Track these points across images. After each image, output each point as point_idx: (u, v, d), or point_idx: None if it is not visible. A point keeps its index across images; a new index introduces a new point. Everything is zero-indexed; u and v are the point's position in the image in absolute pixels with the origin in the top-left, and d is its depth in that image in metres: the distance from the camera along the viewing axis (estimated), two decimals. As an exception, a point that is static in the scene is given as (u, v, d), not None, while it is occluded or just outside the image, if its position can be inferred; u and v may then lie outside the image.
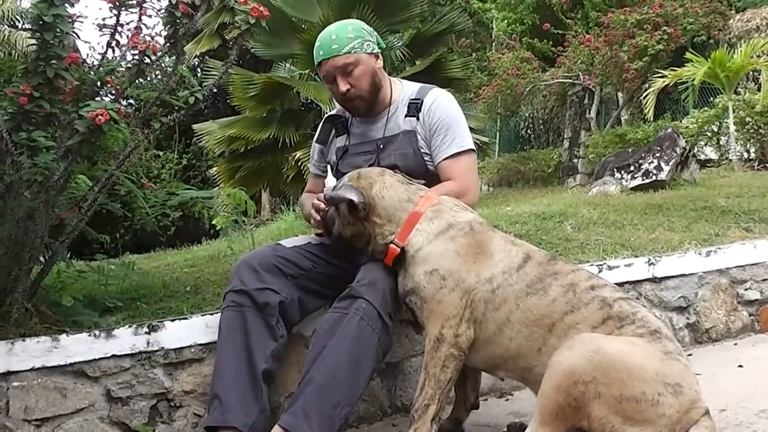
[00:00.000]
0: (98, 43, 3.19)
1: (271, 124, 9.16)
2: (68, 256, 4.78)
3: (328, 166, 2.90)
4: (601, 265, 3.22)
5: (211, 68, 9.65)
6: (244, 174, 9.73)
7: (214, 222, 6.65)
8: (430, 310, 2.22)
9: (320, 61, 2.63)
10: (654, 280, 3.29)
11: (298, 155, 8.84)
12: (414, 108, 2.68)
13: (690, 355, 3.23)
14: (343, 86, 2.61)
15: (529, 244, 2.37)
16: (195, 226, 11.83)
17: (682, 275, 3.35)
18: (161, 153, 15.09)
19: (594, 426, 1.90)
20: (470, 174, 2.68)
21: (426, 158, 2.68)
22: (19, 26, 13.33)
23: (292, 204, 10.92)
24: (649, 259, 3.31)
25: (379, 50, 2.70)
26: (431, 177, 2.66)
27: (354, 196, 2.31)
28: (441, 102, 2.68)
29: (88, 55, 3.08)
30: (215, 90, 10.82)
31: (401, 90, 2.76)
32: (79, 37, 3.21)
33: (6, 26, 13.55)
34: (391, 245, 2.32)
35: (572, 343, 1.98)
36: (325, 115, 2.94)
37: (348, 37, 2.61)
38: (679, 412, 1.89)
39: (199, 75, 14.17)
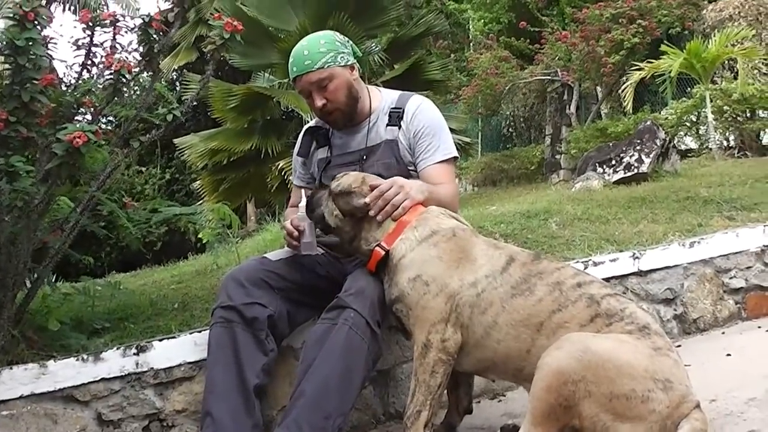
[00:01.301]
0: (74, 63, 3.17)
1: (252, 134, 9.13)
2: (54, 278, 4.75)
3: (313, 179, 2.88)
4: (586, 261, 3.24)
5: (190, 82, 9.61)
6: (228, 186, 9.70)
7: (200, 236, 6.62)
8: (415, 316, 2.23)
9: (294, 77, 2.63)
10: (639, 273, 3.31)
11: (281, 164, 8.81)
12: (395, 117, 2.68)
13: (679, 346, 3.25)
14: (319, 101, 2.61)
15: (512, 246, 2.39)
16: (181, 240, 11.75)
17: (667, 267, 3.37)
18: (144, 169, 15.04)
19: (585, 425, 1.91)
20: (454, 180, 2.72)
21: (409, 167, 2.69)
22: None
23: (278, 214, 10.90)
24: (634, 253, 3.33)
25: (355, 60, 2.70)
26: None
27: (365, 200, 2.36)
28: (423, 109, 2.69)
29: (65, 74, 3.07)
30: (195, 103, 10.83)
31: (380, 98, 2.76)
32: (52, 59, 3.20)
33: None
34: (376, 249, 2.34)
35: (560, 344, 1.99)
36: (305, 127, 2.92)
37: (320, 51, 2.60)
38: (669, 407, 1.90)
39: (178, 89, 14.12)
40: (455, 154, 2.72)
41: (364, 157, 2.69)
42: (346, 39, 2.71)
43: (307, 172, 2.91)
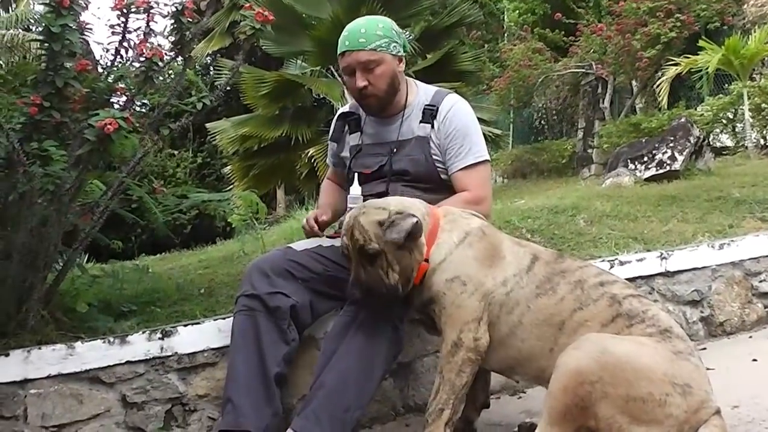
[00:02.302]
0: (109, 44, 3.22)
1: (283, 121, 9.18)
2: (85, 260, 4.84)
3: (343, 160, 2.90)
4: (612, 260, 3.21)
5: (223, 67, 9.69)
6: (258, 172, 9.77)
7: (230, 220, 6.69)
8: (448, 315, 2.21)
9: (343, 51, 2.61)
10: (666, 274, 3.28)
11: (311, 152, 8.86)
12: (429, 114, 2.67)
13: (704, 349, 3.22)
14: (361, 82, 2.59)
15: (534, 245, 2.39)
16: (210, 224, 11.85)
17: (695, 269, 3.33)
18: (176, 152, 15.17)
19: (601, 426, 1.90)
20: (485, 185, 2.69)
21: (438, 165, 2.68)
22: (33, 30, 13.44)
23: (306, 202, 10.95)
24: (662, 254, 3.29)
25: (404, 54, 2.70)
26: (442, 184, 2.67)
27: (413, 218, 2.18)
28: (457, 110, 2.67)
29: (101, 56, 3.11)
30: (228, 88, 10.89)
31: (416, 93, 2.75)
32: (88, 44, 3.25)
33: (20, 30, 13.66)
34: (423, 263, 2.25)
35: (579, 344, 1.98)
36: (338, 112, 2.93)
37: (377, 33, 2.60)
38: (687, 412, 1.89)
39: (211, 74, 14.22)
40: (486, 157, 2.69)
41: (394, 150, 2.68)
42: (401, 31, 2.71)
43: (337, 155, 2.93)
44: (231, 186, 10.26)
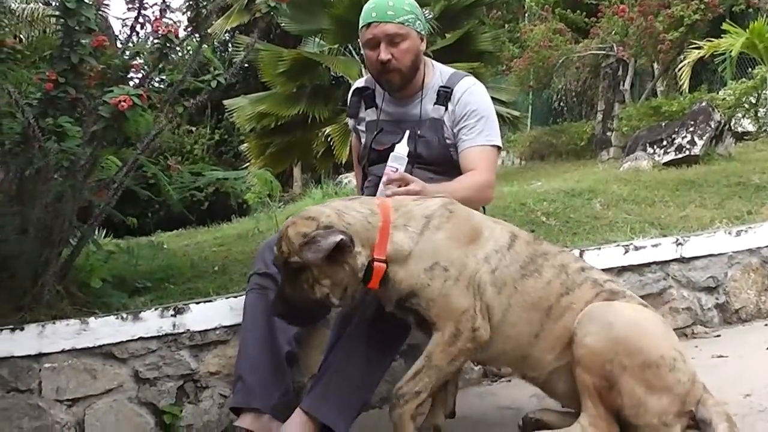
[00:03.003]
0: (125, 22, 3.21)
1: (300, 100, 9.16)
2: (103, 235, 4.88)
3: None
4: (627, 245, 3.18)
5: (241, 44, 9.66)
6: (274, 150, 9.77)
7: (246, 197, 6.69)
8: (440, 306, 2.05)
9: (369, 23, 2.56)
10: (682, 260, 3.24)
11: (327, 131, 8.84)
12: (443, 96, 2.65)
13: (718, 336, 3.20)
14: (385, 55, 2.55)
15: (508, 223, 2.29)
16: (227, 201, 11.90)
17: (711, 255, 3.29)
18: (193, 129, 15.20)
19: (625, 402, 1.96)
20: (491, 168, 2.63)
21: (451, 148, 2.66)
22: (52, 4, 13.45)
23: (323, 180, 10.96)
24: (677, 239, 3.25)
25: (425, 34, 2.68)
26: (454, 167, 2.64)
27: (337, 236, 1.97)
28: (473, 91, 2.65)
29: (120, 32, 3.10)
30: (247, 65, 10.82)
31: (433, 74, 2.73)
32: (107, 20, 3.25)
33: (40, 4, 13.69)
34: (376, 264, 2.05)
35: (584, 329, 2.02)
36: (353, 87, 2.89)
37: (405, 8, 2.58)
38: (689, 381, 1.98)
39: (229, 51, 14.20)
40: (498, 143, 2.66)
41: (418, 132, 2.63)
42: (425, 11, 2.69)
43: (357, 128, 2.88)
44: (248, 164, 10.28)
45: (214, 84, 2.92)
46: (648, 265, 3.18)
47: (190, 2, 3.03)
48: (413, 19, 2.59)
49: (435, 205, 2.16)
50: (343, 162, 8.96)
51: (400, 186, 2.33)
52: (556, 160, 11.33)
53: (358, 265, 2.03)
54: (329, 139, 8.76)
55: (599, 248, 3.14)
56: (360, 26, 2.62)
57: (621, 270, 3.14)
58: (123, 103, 2.52)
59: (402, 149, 2.57)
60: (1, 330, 2.47)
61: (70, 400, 2.52)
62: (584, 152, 11.37)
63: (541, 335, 2.09)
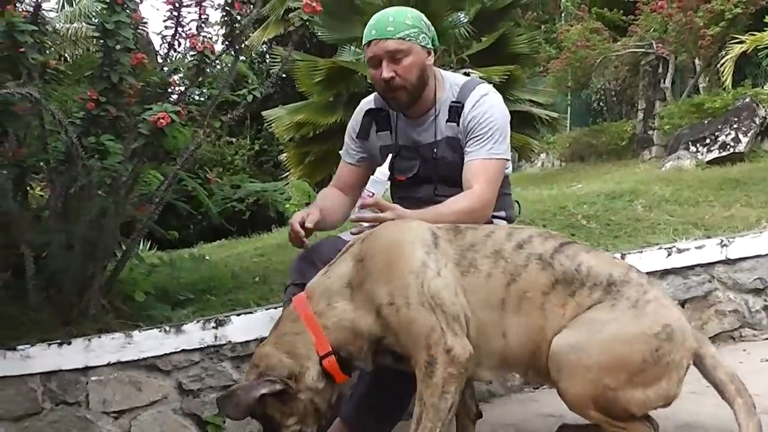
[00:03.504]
0: (163, 40, 3.26)
1: (337, 108, 9.20)
2: (147, 247, 4.97)
3: (364, 159, 2.69)
4: (670, 248, 3.14)
5: (278, 55, 9.74)
6: (313, 159, 9.83)
7: (286, 207, 6.74)
8: (406, 336, 1.93)
9: (370, 41, 2.44)
10: (727, 261, 3.18)
11: (364, 138, 8.84)
12: (455, 112, 2.50)
13: (767, 339, 3.12)
14: (388, 73, 2.40)
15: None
16: (268, 211, 12.03)
17: (758, 256, 3.22)
18: (234, 140, 15.39)
19: (633, 408, 1.93)
20: (491, 184, 2.42)
21: None
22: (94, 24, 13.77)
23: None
24: (722, 240, 3.19)
25: (433, 48, 2.52)
26: None
27: (258, 391, 1.91)
28: (482, 102, 2.49)
29: (161, 46, 3.15)
30: (284, 75, 10.93)
31: (444, 88, 2.56)
32: (148, 35, 3.33)
33: (84, 23, 14.05)
34: (325, 361, 1.98)
35: (559, 365, 1.92)
36: (363, 107, 2.70)
37: (406, 23, 2.43)
38: (680, 350, 1.92)
39: (267, 62, 14.35)
40: (504, 156, 2.47)
41: (435, 154, 2.51)
42: (430, 24, 2.54)
43: (361, 152, 2.70)
44: (287, 173, 10.37)
45: (250, 98, 2.95)
46: (692, 267, 3.13)
47: (225, 18, 3.07)
48: (416, 33, 2.44)
49: (347, 266, 2.05)
50: (381, 168, 8.97)
51: (375, 212, 2.24)
52: (597, 161, 11.20)
53: (311, 383, 1.97)
54: (367, 147, 8.78)
55: (641, 251, 3.10)
56: (362, 46, 2.52)
57: (664, 273, 3.10)
58: (161, 120, 2.57)
59: (382, 173, 2.51)
60: (50, 345, 2.54)
61: (116, 412, 2.58)
62: (625, 152, 11.22)
63: (507, 332, 1.95)
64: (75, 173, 2.84)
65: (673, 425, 2.30)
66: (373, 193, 2.52)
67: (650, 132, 10.94)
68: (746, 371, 2.67)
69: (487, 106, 2.48)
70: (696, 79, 10.51)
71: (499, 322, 1.96)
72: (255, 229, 9.35)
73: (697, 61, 10.43)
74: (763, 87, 9.07)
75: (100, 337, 2.59)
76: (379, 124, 2.62)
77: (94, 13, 14.03)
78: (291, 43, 3.10)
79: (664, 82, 10.89)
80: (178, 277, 3.54)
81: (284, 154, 10.84)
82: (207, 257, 4.04)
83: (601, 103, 13.47)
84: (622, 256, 3.03)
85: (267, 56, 14.96)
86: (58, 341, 2.56)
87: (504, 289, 1.96)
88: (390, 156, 2.53)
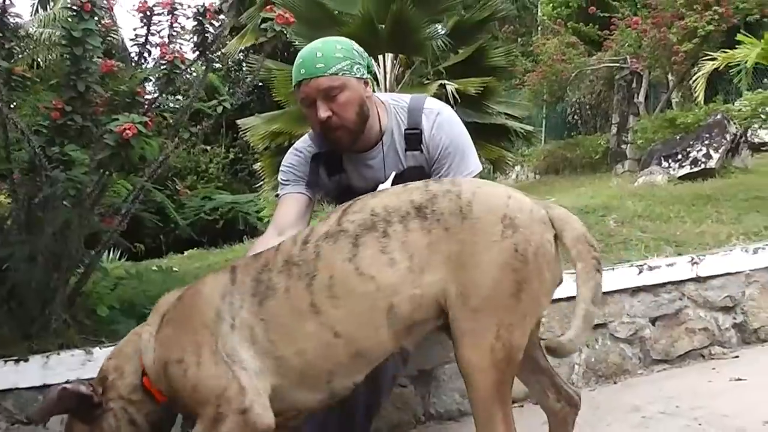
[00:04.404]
0: (136, 44, 3.17)
1: (313, 118, 9.16)
2: (117, 257, 4.88)
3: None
4: (641, 266, 3.13)
5: (254, 64, 9.69)
6: (288, 168, 9.77)
7: (260, 216, 6.68)
8: (192, 400, 1.79)
9: (300, 81, 2.25)
10: (698, 279, 3.18)
11: (340, 149, 8.79)
12: (414, 140, 2.36)
13: (736, 357, 3.13)
14: (324, 112, 2.22)
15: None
16: (243, 221, 11.94)
17: (728, 274, 3.23)
18: (209, 148, 15.28)
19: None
20: None
21: None
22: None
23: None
24: (693, 258, 3.19)
25: (369, 76, 2.35)
26: None
27: (74, 393, 1.88)
28: (440, 125, 2.37)
29: (133, 53, 3.09)
30: (260, 84, 10.86)
31: (387, 115, 2.40)
32: (123, 42, 3.26)
33: (58, 28, 13.86)
34: (145, 378, 1.90)
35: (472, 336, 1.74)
36: (306, 154, 2.47)
37: (336, 56, 2.24)
38: (532, 227, 1.76)
39: (243, 70, 14.27)
40: (477, 169, 2.39)
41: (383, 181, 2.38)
42: (363, 51, 2.36)
43: (304, 187, 2.45)
44: (262, 182, 10.28)
45: (220, 109, 2.91)
46: (663, 285, 3.12)
47: (197, 27, 3.02)
48: (348, 66, 2.25)
49: (172, 297, 1.99)
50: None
51: None
52: (571, 174, 11.30)
53: (124, 392, 1.91)
54: (342, 157, 8.73)
55: (613, 269, 3.09)
56: (293, 86, 2.33)
57: (635, 291, 3.09)
58: (128, 131, 2.51)
59: (385, 187, 2.36)
60: (6, 361, 2.45)
61: (76, 432, 2.49)
62: (599, 165, 11.33)
63: (339, 329, 1.77)
64: (39, 183, 2.77)
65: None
66: None
67: (624, 146, 11.08)
68: (717, 391, 2.69)
69: (446, 127, 2.37)
70: (669, 94, 10.66)
71: (322, 327, 1.77)
72: (228, 239, 9.28)
73: (670, 77, 10.58)
74: (734, 103, 9.19)
75: (59, 353, 2.51)
76: (329, 169, 2.44)
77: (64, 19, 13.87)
78: (263, 53, 3.06)
79: (638, 97, 11.03)
80: (145, 290, 3.47)
81: (259, 164, 10.76)
82: (175, 269, 3.97)
83: (575, 117, 13.59)
84: (594, 274, 3.02)
85: (243, 65, 14.89)
86: (15, 358, 2.47)
87: (306, 293, 1.78)
88: (393, 174, 2.37)
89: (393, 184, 2.32)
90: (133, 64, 3.34)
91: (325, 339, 1.78)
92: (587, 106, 13.21)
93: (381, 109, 2.40)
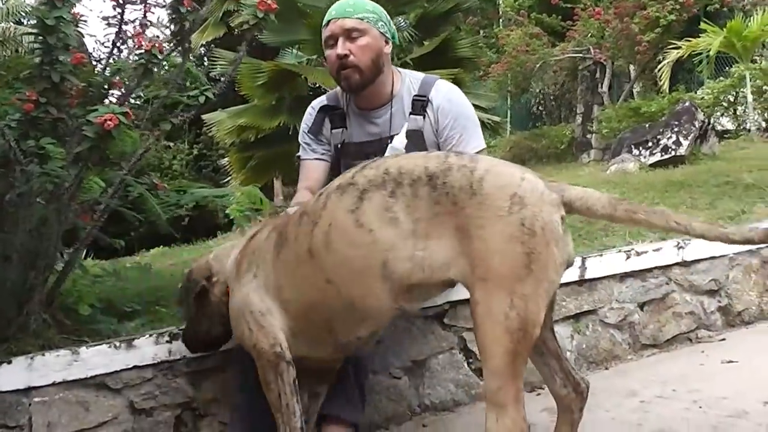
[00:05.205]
0: (105, 36, 3.09)
1: (280, 112, 9.03)
2: (86, 255, 4.73)
3: (328, 153, 2.67)
4: (629, 250, 3.13)
5: (218, 58, 9.52)
6: (256, 163, 9.62)
7: (228, 212, 6.56)
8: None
9: (328, 21, 2.48)
10: (684, 263, 3.20)
11: (309, 142, 8.69)
12: (420, 106, 2.50)
13: (723, 339, 3.16)
14: (342, 49, 2.42)
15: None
16: (209, 216, 11.74)
17: (713, 257, 3.25)
18: (172, 144, 15.00)
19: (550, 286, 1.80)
20: None
21: None
22: (25, 23, 13.26)
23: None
24: (678, 243, 3.21)
25: (391, 39, 2.54)
26: None
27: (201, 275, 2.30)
28: (451, 98, 2.52)
29: (94, 49, 3.01)
30: (221, 78, 10.69)
31: (401, 82, 2.57)
32: (83, 36, 3.14)
33: (12, 23, 13.48)
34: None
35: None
36: (317, 104, 2.70)
37: (365, 8, 2.47)
38: (539, 206, 1.74)
39: (205, 64, 14.05)
40: (484, 146, 2.55)
41: (387, 145, 2.49)
42: (391, 20, 2.57)
43: (321, 146, 2.68)
44: (229, 178, 10.14)
45: (202, 99, 2.82)
46: (650, 270, 3.13)
47: (173, 16, 2.92)
48: (374, 19, 2.47)
49: (258, 228, 2.26)
50: (327, 173, 8.87)
51: None
52: (537, 164, 11.35)
53: (218, 293, 2.24)
54: (311, 151, 8.64)
55: (601, 255, 3.09)
56: (322, 27, 2.54)
57: (623, 276, 3.10)
58: (109, 122, 2.41)
59: (399, 142, 2.46)
60: (-12, 364, 2.34)
61: (62, 436, 2.39)
62: (565, 155, 11.42)
63: (332, 276, 1.88)
64: (12, 179, 2.65)
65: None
66: None
67: (589, 136, 11.17)
68: (710, 374, 2.70)
69: (456, 100, 2.52)
70: (632, 84, 10.79)
71: (315, 271, 1.91)
72: (194, 235, 9.10)
73: (632, 67, 10.70)
74: (695, 92, 9.35)
75: (44, 354, 2.40)
76: (334, 121, 2.62)
77: (23, 13, 13.47)
78: (245, 43, 2.96)
79: (602, 87, 11.14)
80: (123, 288, 3.36)
81: (226, 159, 10.61)
82: (152, 267, 3.85)
83: (540, 108, 13.69)
84: (583, 260, 3.01)
85: (205, 59, 14.66)
86: (-4, 360, 2.37)
87: (307, 238, 1.93)
88: (405, 125, 2.49)
89: (391, 140, 2.48)
90: (92, 59, 3.23)
91: (319, 284, 1.91)
92: (551, 97, 13.32)
93: (396, 77, 2.57)
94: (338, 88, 2.66)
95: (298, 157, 2.75)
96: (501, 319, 1.71)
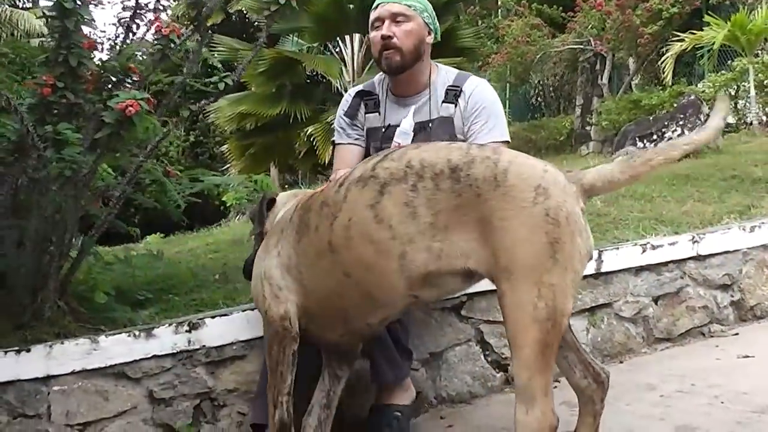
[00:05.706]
0: (120, 21, 3.03)
1: (281, 99, 9.01)
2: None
3: (362, 138, 2.74)
4: (645, 244, 3.12)
5: (217, 44, 9.47)
6: (255, 151, 9.61)
7: (224, 199, 6.52)
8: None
9: (378, 4, 2.59)
10: (698, 258, 3.20)
11: (309, 130, 8.70)
12: (452, 95, 2.59)
13: (736, 334, 3.16)
14: (387, 31, 2.53)
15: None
16: (204, 204, 11.67)
17: (727, 252, 3.25)
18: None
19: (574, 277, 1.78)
20: None
21: None
22: (20, 5, 13.12)
23: (302, 181, 10.78)
24: (693, 237, 3.21)
25: (434, 32, 2.64)
26: None
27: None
28: (482, 89, 2.60)
29: (104, 33, 2.98)
30: (222, 65, 10.61)
31: (438, 74, 2.66)
32: (93, 20, 3.10)
33: (6, 5, 13.34)
34: None
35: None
36: (354, 89, 2.80)
37: None
38: (562, 196, 1.74)
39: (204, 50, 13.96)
40: (508, 139, 2.61)
41: (430, 126, 2.57)
42: (435, 16, 2.67)
43: (356, 131, 2.74)
44: (227, 165, 10.09)
45: (222, 86, 2.79)
46: (665, 264, 3.13)
47: (192, 1, 2.88)
48: (421, 8, 2.57)
49: (307, 196, 2.20)
50: (326, 162, 8.83)
51: None
52: (536, 155, 11.24)
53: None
54: (312, 139, 8.61)
55: (617, 248, 3.08)
56: (371, 10, 2.64)
57: (639, 270, 3.09)
58: (130, 108, 2.38)
59: (407, 124, 2.55)
60: (6, 352, 2.31)
61: (81, 425, 2.36)
62: (564, 147, 11.42)
63: (351, 271, 1.90)
64: (27, 164, 2.61)
65: (671, 428, 2.26)
66: (400, 144, 2.49)
67: (588, 127, 11.17)
68: (727, 368, 2.71)
69: (487, 93, 2.61)
70: (632, 76, 10.77)
71: (335, 265, 1.93)
72: (193, 221, 9.06)
73: (632, 59, 10.68)
74: (696, 85, 9.35)
75: (62, 343, 2.38)
76: (368, 106, 2.70)
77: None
78: (265, 30, 2.93)
79: (602, 79, 11.12)
80: (135, 276, 3.33)
81: (225, 146, 10.56)
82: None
83: (539, 99, 13.66)
84: (599, 253, 3.01)
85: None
86: (15, 348, 2.33)
87: (328, 231, 1.93)
88: (413, 107, 2.59)
89: (420, 128, 2.56)
90: (100, 46, 3.18)
91: (337, 276, 1.93)
92: (551, 88, 13.29)
93: (434, 69, 2.66)
94: (375, 77, 2.75)
95: (332, 141, 2.84)
96: (530, 310, 1.70)
